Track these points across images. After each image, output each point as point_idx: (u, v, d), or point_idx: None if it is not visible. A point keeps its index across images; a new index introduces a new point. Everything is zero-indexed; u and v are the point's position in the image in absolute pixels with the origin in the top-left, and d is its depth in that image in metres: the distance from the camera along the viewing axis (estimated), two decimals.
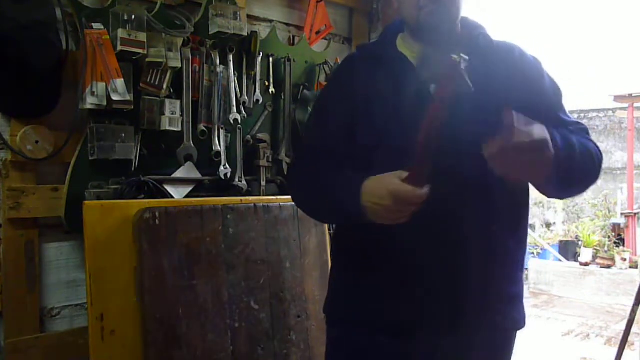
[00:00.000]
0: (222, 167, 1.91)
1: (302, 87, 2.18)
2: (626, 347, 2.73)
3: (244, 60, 2.01)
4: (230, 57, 1.93)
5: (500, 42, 1.21)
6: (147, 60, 1.68)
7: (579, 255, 6.45)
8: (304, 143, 1.35)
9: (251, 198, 1.89)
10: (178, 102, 1.79)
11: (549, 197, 1.20)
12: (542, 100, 1.16)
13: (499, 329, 1.20)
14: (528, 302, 5.71)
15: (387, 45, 1.21)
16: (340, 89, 1.26)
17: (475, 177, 1.09)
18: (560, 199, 1.25)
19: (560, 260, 6.80)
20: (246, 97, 1.99)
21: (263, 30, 2.14)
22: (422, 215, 1.08)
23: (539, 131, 0.94)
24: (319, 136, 1.27)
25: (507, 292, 1.18)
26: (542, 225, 8.74)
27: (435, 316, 1.12)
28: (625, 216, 6.60)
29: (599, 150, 1.16)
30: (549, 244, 7.37)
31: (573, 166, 1.06)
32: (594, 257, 6.30)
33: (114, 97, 1.60)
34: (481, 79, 1.08)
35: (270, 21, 2.20)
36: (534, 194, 1.24)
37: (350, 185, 1.07)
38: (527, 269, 6.52)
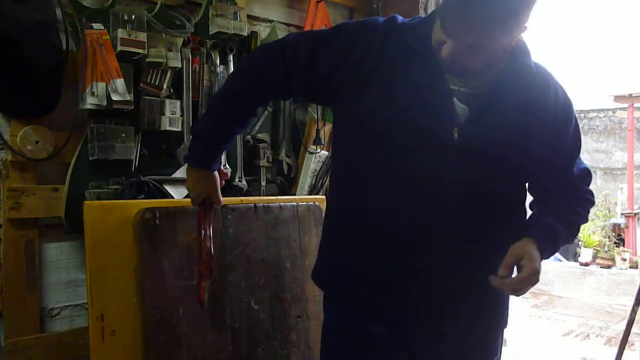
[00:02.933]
0: (222, 167, 1.91)
1: None
2: (626, 347, 2.73)
3: None
4: (230, 57, 1.93)
5: (540, 76, 1.15)
6: (147, 60, 1.68)
7: (579, 255, 6.45)
8: (282, 41, 1.25)
9: (251, 198, 1.88)
10: (178, 102, 1.79)
11: None
12: (556, 156, 1.17)
13: (483, 330, 1.23)
14: (528, 302, 5.71)
15: (423, 38, 1.10)
16: (356, 52, 1.14)
17: (473, 195, 1.10)
18: None
19: (560, 260, 6.80)
20: None
21: (263, 30, 2.14)
22: (411, 218, 1.10)
23: (531, 270, 1.10)
24: (292, 56, 1.20)
25: (497, 299, 1.20)
26: None
27: (416, 317, 1.15)
28: (625, 216, 6.60)
29: (592, 201, 1.28)
30: None
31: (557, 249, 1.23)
32: (594, 257, 6.30)
33: (114, 97, 1.60)
34: (501, 106, 1.09)
35: (270, 21, 2.20)
36: None
37: (208, 145, 1.35)
38: None
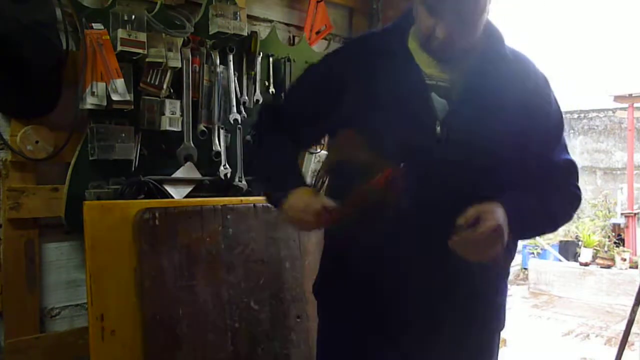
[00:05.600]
0: (222, 167, 1.91)
1: None
2: (626, 347, 2.73)
3: (244, 60, 2.01)
4: (230, 57, 1.93)
5: (515, 57, 1.16)
6: (147, 60, 1.68)
7: (579, 255, 6.44)
8: (274, 105, 1.35)
9: (251, 198, 1.89)
10: (178, 102, 1.79)
11: None
12: (537, 134, 1.14)
13: (477, 334, 1.21)
14: (528, 302, 5.71)
15: (395, 39, 1.15)
16: (327, 74, 1.22)
17: (461, 189, 1.08)
18: None
19: (560, 260, 6.80)
20: (246, 97, 1.99)
21: (263, 30, 2.14)
22: (406, 224, 1.08)
23: (494, 222, 1.01)
24: (286, 109, 1.30)
25: (491, 303, 1.19)
26: None
27: (414, 317, 1.13)
28: (625, 216, 6.59)
29: (579, 196, 1.20)
30: (549, 244, 7.36)
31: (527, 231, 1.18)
32: (594, 257, 6.29)
33: (114, 97, 1.60)
34: (481, 95, 1.08)
35: (270, 21, 2.20)
36: None
37: (285, 183, 1.15)
38: (526, 268, 6.53)
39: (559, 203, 1.18)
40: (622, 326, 2.85)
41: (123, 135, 1.67)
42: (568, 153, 1.22)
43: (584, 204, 8.23)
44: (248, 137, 2.03)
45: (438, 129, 1.07)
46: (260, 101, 2.04)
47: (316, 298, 1.31)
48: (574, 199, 1.20)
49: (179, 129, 1.80)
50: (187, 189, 1.83)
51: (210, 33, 1.89)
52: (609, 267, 6.05)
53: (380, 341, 1.16)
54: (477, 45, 1.10)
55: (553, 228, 1.23)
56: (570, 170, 1.21)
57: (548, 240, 7.54)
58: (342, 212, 1.06)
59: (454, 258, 1.09)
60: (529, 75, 1.16)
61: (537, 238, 7.55)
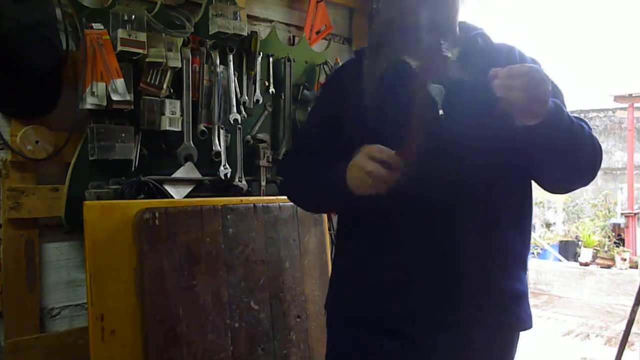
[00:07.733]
0: (222, 167, 1.91)
1: (302, 87, 2.18)
2: (626, 347, 2.74)
3: (244, 60, 2.01)
4: (230, 57, 1.93)
5: (500, 44, 1.21)
6: (147, 60, 1.68)
7: (579, 255, 6.45)
8: (294, 143, 1.40)
9: (251, 198, 1.89)
10: (178, 102, 1.79)
11: (551, 189, 1.21)
12: None
13: (501, 327, 1.18)
14: None
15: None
16: (330, 94, 1.33)
17: (475, 174, 1.09)
18: (563, 190, 1.24)
19: (560, 260, 6.81)
20: (246, 97, 1.99)
21: (263, 30, 2.14)
22: (419, 209, 1.09)
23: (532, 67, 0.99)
24: (304, 139, 1.38)
25: (509, 290, 1.18)
26: (542, 225, 8.75)
27: (430, 313, 1.12)
28: (625, 216, 6.61)
29: (600, 145, 1.14)
30: (549, 244, 7.37)
31: (572, 137, 1.06)
32: (594, 257, 6.30)
33: (114, 97, 1.60)
34: (480, 78, 1.09)
35: (270, 21, 2.20)
36: (534, 193, 1.25)
37: (337, 169, 1.11)
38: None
39: (588, 131, 1.12)
40: (622, 326, 2.85)
41: (123, 135, 1.67)
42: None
43: (584, 204, 8.24)
44: (248, 137, 2.03)
45: (441, 112, 1.10)
46: (260, 101, 2.04)
47: (330, 312, 1.30)
48: (598, 144, 1.14)
49: (179, 129, 1.80)
50: (187, 189, 1.84)
51: (210, 33, 1.89)
52: (609, 267, 6.06)
53: (393, 345, 1.16)
54: (460, 39, 1.15)
55: (580, 152, 1.09)
56: (585, 126, 1.15)
57: (548, 240, 7.54)
58: (410, 144, 0.98)
59: (464, 243, 1.09)
60: (514, 50, 1.20)
61: (537, 238, 7.57)
